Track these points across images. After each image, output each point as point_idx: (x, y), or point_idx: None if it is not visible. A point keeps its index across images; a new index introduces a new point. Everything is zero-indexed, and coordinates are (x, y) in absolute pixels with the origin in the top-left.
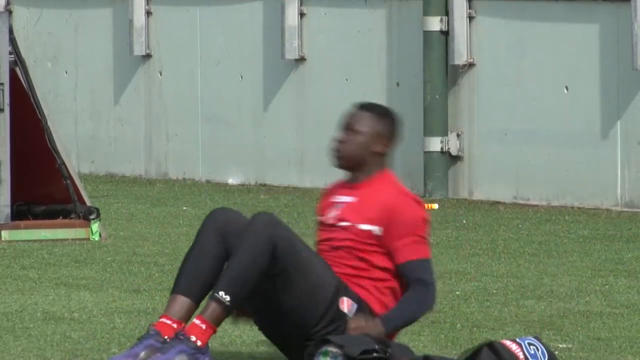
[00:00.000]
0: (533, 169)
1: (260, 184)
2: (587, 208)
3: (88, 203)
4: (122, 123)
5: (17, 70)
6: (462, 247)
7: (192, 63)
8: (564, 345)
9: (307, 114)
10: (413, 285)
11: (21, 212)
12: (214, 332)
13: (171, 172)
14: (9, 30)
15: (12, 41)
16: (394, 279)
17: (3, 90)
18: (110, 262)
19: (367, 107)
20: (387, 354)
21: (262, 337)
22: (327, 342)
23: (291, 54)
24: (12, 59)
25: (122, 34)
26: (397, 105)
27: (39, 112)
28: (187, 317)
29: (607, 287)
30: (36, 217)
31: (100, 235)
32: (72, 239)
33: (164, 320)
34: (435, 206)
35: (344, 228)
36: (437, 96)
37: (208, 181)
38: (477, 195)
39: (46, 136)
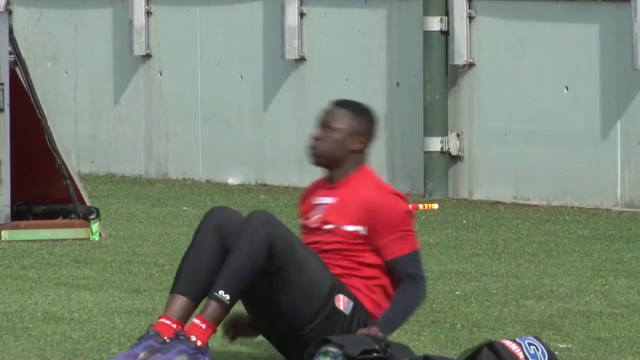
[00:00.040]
0: (533, 169)
1: (260, 184)
2: (587, 208)
3: (88, 203)
4: (122, 123)
5: (17, 70)
6: (462, 247)
7: (192, 63)
8: (564, 345)
9: (307, 114)
10: (403, 282)
11: (21, 212)
12: (214, 331)
13: (171, 172)
14: (9, 30)
15: (12, 41)
16: (384, 275)
17: (3, 90)
18: (110, 262)
19: (344, 104)
20: (387, 354)
21: (262, 337)
22: (327, 342)
23: (291, 54)
24: (12, 59)
25: (122, 34)
26: (397, 105)
27: (39, 112)
28: (186, 317)
29: (607, 287)
30: (36, 217)
31: (100, 235)
32: (72, 239)
33: (163, 320)
34: (435, 206)
35: (330, 231)
36: (437, 96)
37: (208, 181)
38: (477, 195)
39: (46, 136)
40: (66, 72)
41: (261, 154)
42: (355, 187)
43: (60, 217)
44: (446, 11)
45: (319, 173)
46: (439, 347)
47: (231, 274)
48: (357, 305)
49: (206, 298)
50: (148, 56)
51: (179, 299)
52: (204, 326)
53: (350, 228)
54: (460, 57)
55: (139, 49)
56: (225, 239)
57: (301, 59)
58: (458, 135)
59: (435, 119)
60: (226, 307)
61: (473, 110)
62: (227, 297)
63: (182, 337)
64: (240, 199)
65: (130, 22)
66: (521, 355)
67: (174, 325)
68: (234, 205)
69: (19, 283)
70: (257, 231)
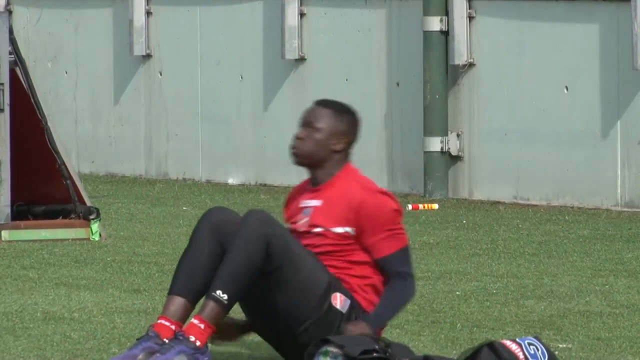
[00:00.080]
0: (533, 169)
1: (260, 184)
2: (587, 208)
3: (88, 203)
4: (122, 123)
5: (17, 70)
6: (462, 247)
7: (192, 63)
8: (564, 345)
9: None
10: (392, 280)
11: (21, 212)
12: (213, 331)
13: (171, 172)
14: (9, 30)
15: (12, 41)
16: (376, 274)
17: (3, 90)
18: (110, 262)
19: (326, 104)
20: (387, 354)
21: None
22: (327, 342)
23: (291, 54)
24: (12, 59)
25: (122, 34)
26: (397, 105)
27: (39, 112)
28: (184, 318)
29: (607, 287)
30: (36, 217)
31: (100, 235)
32: (72, 239)
33: (162, 321)
34: (435, 206)
35: (319, 234)
36: (437, 96)
37: (208, 181)
38: (477, 195)
39: (46, 136)
40: (66, 72)
41: (261, 154)
42: (341, 187)
43: (60, 217)
44: (446, 11)
45: None
46: (439, 347)
47: (228, 273)
48: (354, 304)
49: (204, 298)
50: (148, 56)
51: (177, 299)
52: (202, 326)
53: (339, 230)
54: (460, 57)
55: (139, 49)
56: (222, 239)
57: (301, 59)
58: (458, 135)
59: (435, 119)
60: (224, 306)
61: (473, 110)
62: (225, 296)
63: (181, 338)
64: (240, 199)
65: (130, 22)
66: (521, 355)
67: (173, 327)
68: (234, 205)
69: (19, 283)
70: (254, 230)
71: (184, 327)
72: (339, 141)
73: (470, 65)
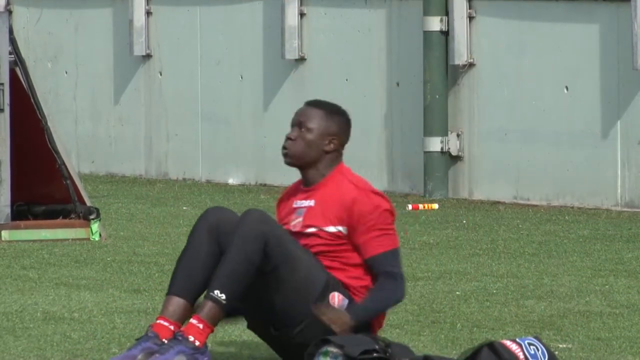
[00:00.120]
0: (533, 169)
1: (260, 184)
2: (587, 208)
3: (88, 203)
4: (122, 123)
5: (17, 70)
6: (462, 247)
7: (192, 63)
8: (564, 345)
9: None
10: (382, 278)
11: (21, 212)
12: (212, 331)
13: (171, 172)
14: (9, 30)
15: (12, 41)
16: (369, 276)
17: (3, 90)
18: (110, 262)
19: (317, 105)
20: (387, 354)
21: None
22: (327, 342)
23: (291, 54)
24: (12, 59)
25: (122, 34)
26: (397, 105)
27: (39, 112)
28: (183, 318)
29: (607, 287)
30: (36, 217)
31: (100, 235)
32: (72, 239)
33: (160, 322)
34: (436, 206)
35: (312, 234)
36: (437, 96)
37: (208, 181)
38: (477, 195)
39: (46, 136)
40: (66, 72)
41: (261, 154)
42: (333, 187)
43: (60, 217)
44: (446, 11)
45: None
46: (439, 347)
47: (226, 273)
48: (352, 303)
49: (202, 298)
50: (148, 56)
51: (176, 300)
52: (201, 326)
53: (331, 229)
54: (460, 57)
55: (139, 49)
56: (220, 238)
57: (301, 59)
58: (458, 135)
59: (435, 119)
60: (223, 306)
61: (473, 110)
62: (223, 296)
63: (180, 338)
64: (240, 199)
65: (130, 22)
66: (521, 355)
67: (172, 327)
68: (234, 206)
69: (19, 283)
70: (251, 230)
71: (183, 327)
72: (331, 141)
73: (470, 65)
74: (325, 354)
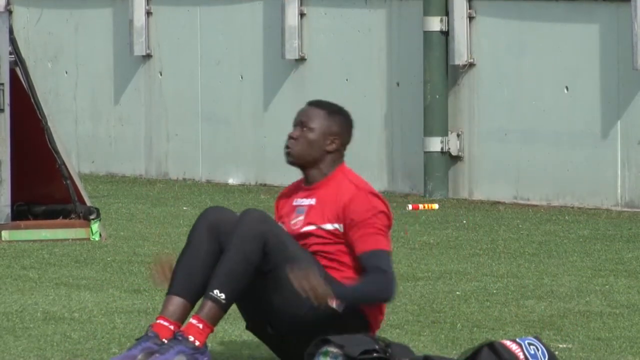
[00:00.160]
0: (533, 169)
1: (260, 184)
2: (587, 208)
3: (88, 203)
4: (123, 123)
5: (17, 70)
6: (462, 247)
7: (192, 63)
8: (564, 345)
9: None
10: (374, 273)
11: (21, 212)
12: (212, 331)
13: (171, 172)
14: (9, 30)
15: (13, 41)
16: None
17: (3, 90)
18: (111, 262)
19: (319, 105)
20: (387, 354)
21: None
22: (327, 342)
23: (291, 54)
24: (12, 59)
25: (122, 34)
26: (397, 105)
27: (39, 112)
28: (183, 318)
29: (607, 287)
30: (36, 217)
31: (100, 235)
32: (72, 239)
33: (160, 321)
34: (436, 206)
35: (311, 232)
36: (437, 96)
37: (208, 181)
38: (477, 195)
39: (46, 136)
40: (66, 72)
41: (261, 154)
42: (334, 187)
43: (61, 217)
44: (446, 11)
45: None
46: (439, 347)
47: (226, 272)
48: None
49: (202, 298)
50: (148, 56)
51: (175, 299)
52: (201, 326)
53: (329, 226)
54: (460, 57)
55: (139, 49)
56: (220, 238)
57: (301, 59)
58: (458, 135)
59: (435, 119)
60: (222, 306)
61: (473, 110)
62: (223, 296)
63: (180, 338)
64: (240, 199)
65: (131, 22)
66: (521, 355)
67: (172, 327)
68: (234, 206)
69: (19, 283)
70: (251, 229)
71: (183, 327)
72: (332, 141)
73: (471, 65)
74: (325, 354)
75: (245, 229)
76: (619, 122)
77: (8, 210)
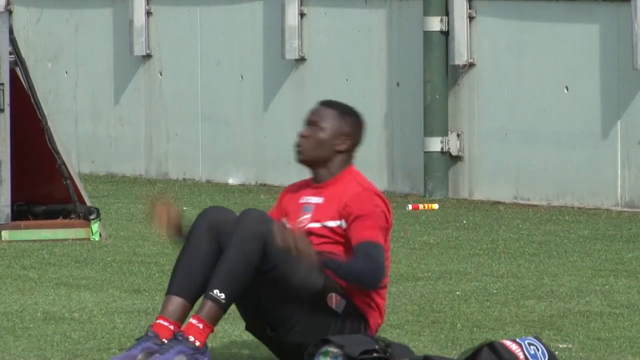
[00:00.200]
0: (533, 169)
1: (260, 184)
2: (587, 208)
3: (88, 203)
4: (123, 123)
5: (17, 70)
6: (462, 247)
7: (192, 63)
8: (564, 345)
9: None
10: (362, 256)
11: (21, 212)
12: (212, 331)
13: (171, 172)
14: (9, 30)
15: (13, 41)
16: None
17: (3, 90)
18: (111, 262)
19: (330, 105)
20: (387, 354)
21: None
22: (327, 342)
23: (291, 54)
24: (12, 59)
25: (122, 34)
26: (397, 105)
27: (39, 112)
28: (183, 318)
29: (607, 287)
30: (36, 217)
31: (100, 235)
32: (72, 239)
33: (160, 321)
34: (436, 206)
35: (316, 230)
36: (437, 96)
37: (208, 181)
38: (477, 195)
39: (46, 136)
40: (66, 72)
41: (261, 154)
42: (342, 186)
43: (61, 217)
44: (446, 11)
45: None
46: (439, 347)
47: (226, 272)
48: (350, 304)
49: (202, 298)
50: (148, 56)
51: (175, 299)
52: (201, 326)
53: (332, 224)
54: (460, 57)
55: (139, 49)
56: (219, 238)
57: (301, 59)
58: (458, 135)
59: (435, 119)
60: (222, 306)
61: (473, 110)
62: (223, 295)
63: (180, 338)
64: (240, 199)
65: (131, 22)
66: (521, 355)
67: (171, 327)
68: (234, 206)
69: (19, 283)
70: (250, 229)
71: (183, 327)
72: (343, 142)
73: (471, 65)
74: (325, 354)
75: (245, 229)
76: (619, 122)
77: (8, 210)
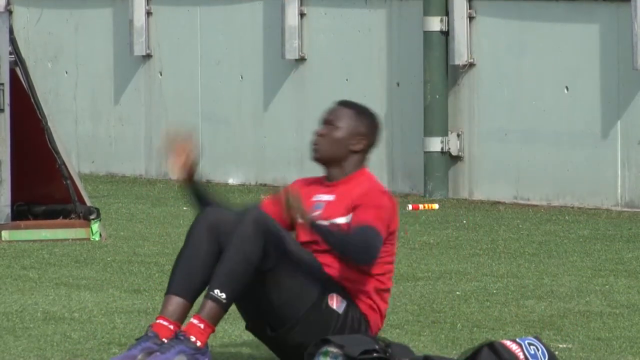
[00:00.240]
0: (533, 169)
1: (260, 184)
2: (587, 208)
3: (88, 203)
4: (123, 123)
5: (17, 70)
6: (462, 247)
7: (192, 63)
8: (564, 345)
9: (307, 114)
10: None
11: (21, 212)
12: (213, 331)
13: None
14: (9, 30)
15: (13, 41)
16: (369, 279)
17: (3, 90)
18: (111, 262)
19: (347, 104)
20: (387, 354)
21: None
22: (327, 342)
23: (291, 54)
24: (12, 59)
25: (122, 34)
26: (397, 105)
27: (39, 112)
28: (182, 318)
29: (607, 287)
30: (36, 217)
31: (100, 235)
32: (72, 239)
33: (160, 321)
34: (436, 206)
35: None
36: (437, 96)
37: (208, 181)
38: (477, 195)
39: (46, 136)
40: (66, 72)
41: (261, 154)
42: (353, 186)
43: (61, 217)
44: (446, 11)
45: (319, 173)
46: (439, 347)
47: (226, 272)
48: (351, 305)
49: (202, 298)
50: (148, 56)
51: (175, 299)
52: (202, 326)
53: (341, 220)
54: (460, 57)
55: (139, 49)
56: (219, 237)
57: (301, 59)
58: (458, 135)
59: (435, 119)
60: (223, 306)
61: (473, 110)
62: (223, 295)
63: (181, 337)
64: (240, 199)
65: (131, 22)
66: (521, 355)
67: (171, 327)
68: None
69: (19, 283)
70: (251, 229)
71: (184, 327)
72: (358, 142)
73: (471, 65)
74: (325, 354)
75: (245, 229)
76: (619, 122)
77: (8, 210)
